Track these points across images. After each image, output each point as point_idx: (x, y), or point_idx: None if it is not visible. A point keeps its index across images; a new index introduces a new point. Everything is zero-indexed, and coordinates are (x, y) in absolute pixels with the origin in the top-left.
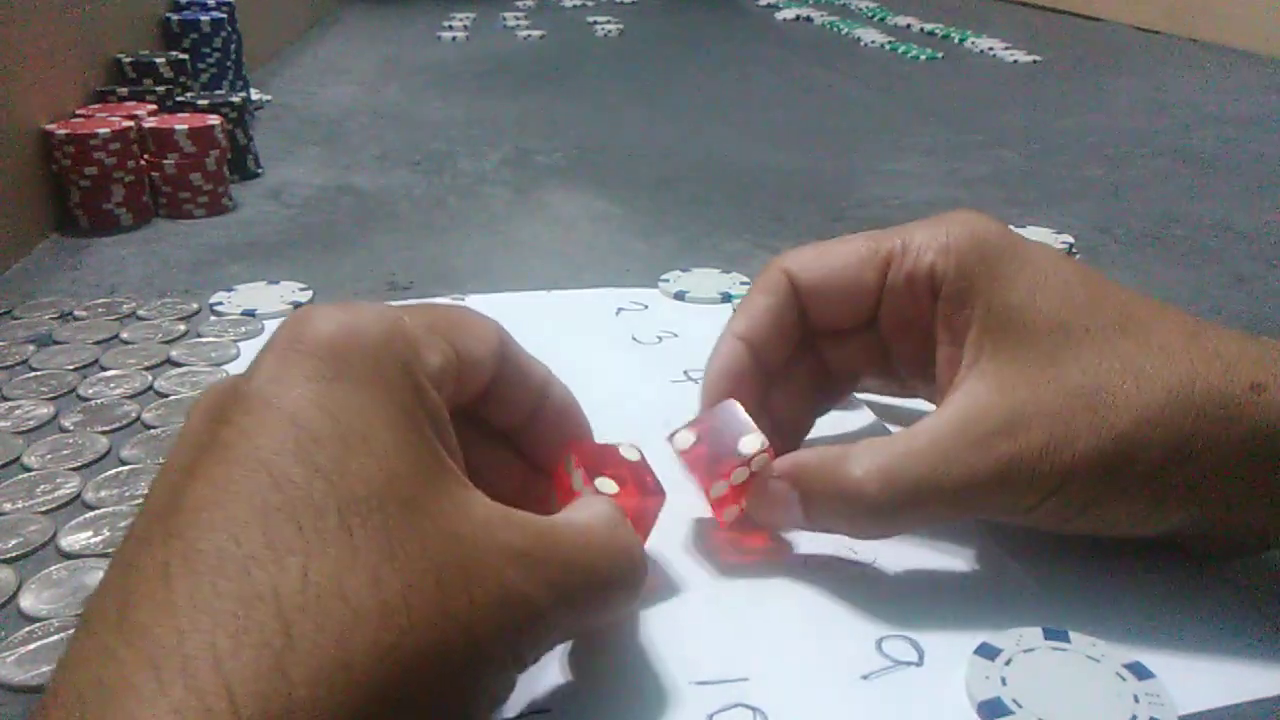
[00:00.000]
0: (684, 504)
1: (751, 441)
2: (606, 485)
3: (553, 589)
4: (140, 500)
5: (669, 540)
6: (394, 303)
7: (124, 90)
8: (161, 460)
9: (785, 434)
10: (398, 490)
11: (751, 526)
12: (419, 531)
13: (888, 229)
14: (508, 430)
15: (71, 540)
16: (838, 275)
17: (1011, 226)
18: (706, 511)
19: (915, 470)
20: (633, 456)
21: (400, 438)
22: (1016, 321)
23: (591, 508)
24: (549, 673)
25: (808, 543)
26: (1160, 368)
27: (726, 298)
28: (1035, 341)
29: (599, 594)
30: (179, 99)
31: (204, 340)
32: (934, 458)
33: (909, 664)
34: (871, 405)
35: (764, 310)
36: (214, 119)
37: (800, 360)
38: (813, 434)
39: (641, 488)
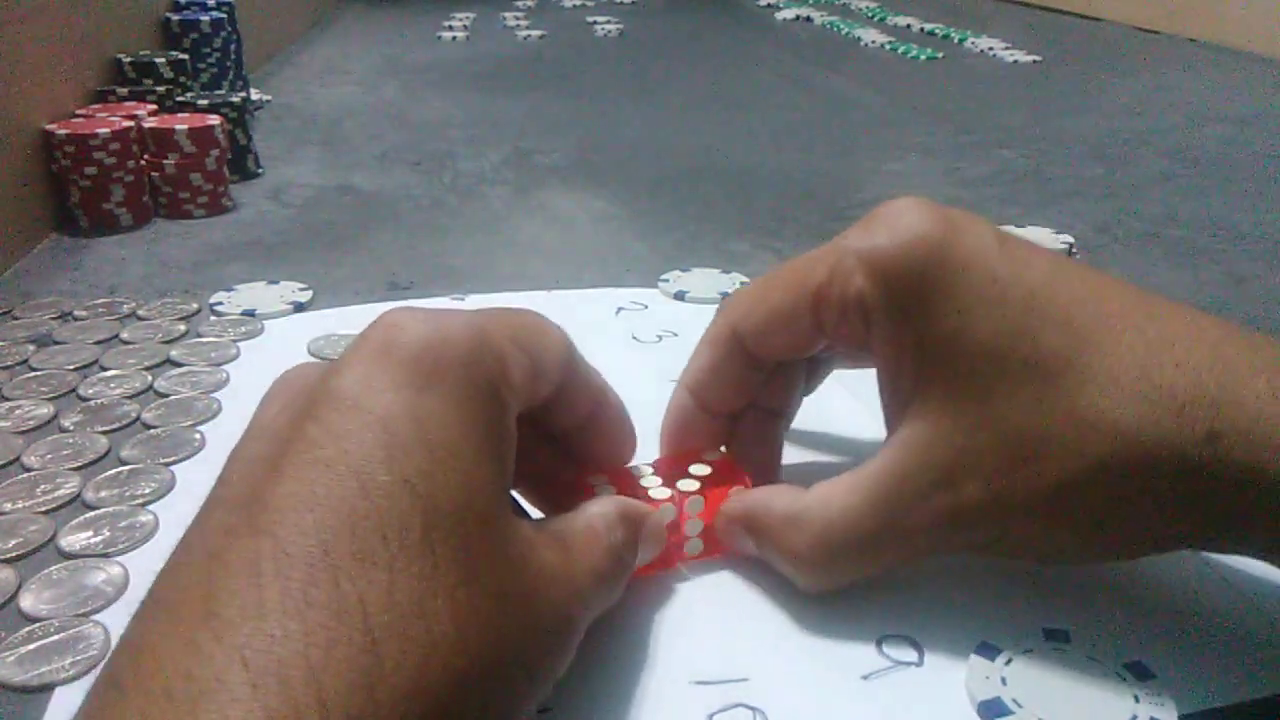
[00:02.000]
0: None
1: (665, 511)
2: (688, 485)
3: (582, 599)
4: (142, 500)
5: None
6: (446, 302)
7: (124, 90)
8: (162, 460)
9: (717, 403)
10: (476, 508)
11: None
12: (490, 554)
13: (822, 246)
14: (563, 434)
15: (71, 540)
16: (774, 320)
17: (1012, 227)
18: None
19: (852, 533)
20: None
21: (481, 455)
22: (950, 354)
23: (594, 509)
24: None
25: None
26: (1104, 411)
27: (726, 297)
28: (970, 378)
29: (603, 592)
30: (179, 99)
31: (204, 340)
32: (872, 517)
33: (909, 664)
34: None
35: (706, 364)
36: (214, 119)
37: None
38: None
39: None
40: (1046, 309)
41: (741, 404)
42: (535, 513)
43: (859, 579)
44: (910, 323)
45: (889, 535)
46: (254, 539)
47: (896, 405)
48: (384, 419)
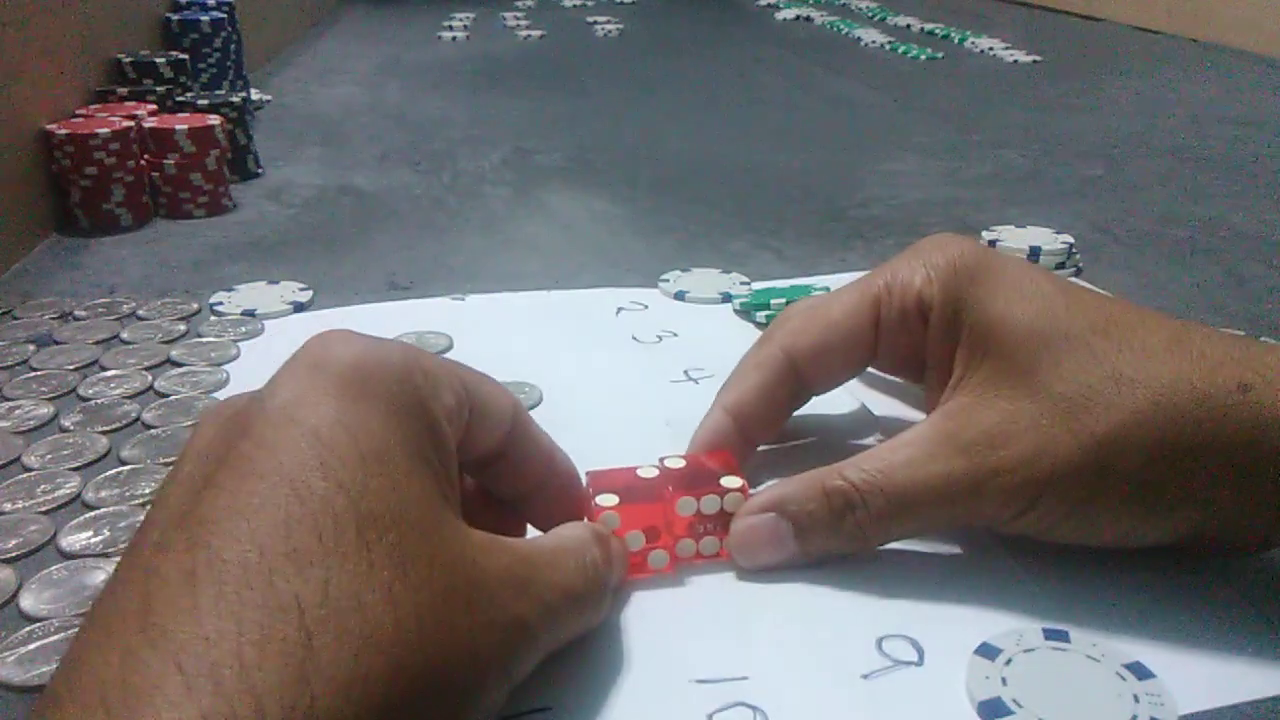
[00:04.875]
0: None
1: (732, 479)
2: (606, 499)
3: (539, 608)
4: (142, 500)
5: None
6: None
7: (124, 90)
8: (162, 460)
9: (756, 429)
10: (409, 512)
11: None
12: (428, 553)
13: (869, 272)
14: (515, 499)
15: (71, 540)
16: (831, 337)
17: (1012, 227)
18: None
19: (903, 475)
20: (649, 475)
21: (412, 464)
22: (997, 335)
23: (565, 531)
24: (549, 672)
25: None
26: (1142, 371)
27: (726, 298)
28: (1015, 353)
29: (574, 610)
30: (179, 99)
31: (204, 340)
32: (919, 465)
33: (909, 664)
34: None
35: (753, 386)
36: (214, 119)
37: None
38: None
39: (649, 495)
40: (1082, 297)
41: (776, 432)
42: None
43: (902, 538)
44: (964, 311)
45: (934, 488)
46: (189, 552)
47: (943, 390)
48: (316, 429)
